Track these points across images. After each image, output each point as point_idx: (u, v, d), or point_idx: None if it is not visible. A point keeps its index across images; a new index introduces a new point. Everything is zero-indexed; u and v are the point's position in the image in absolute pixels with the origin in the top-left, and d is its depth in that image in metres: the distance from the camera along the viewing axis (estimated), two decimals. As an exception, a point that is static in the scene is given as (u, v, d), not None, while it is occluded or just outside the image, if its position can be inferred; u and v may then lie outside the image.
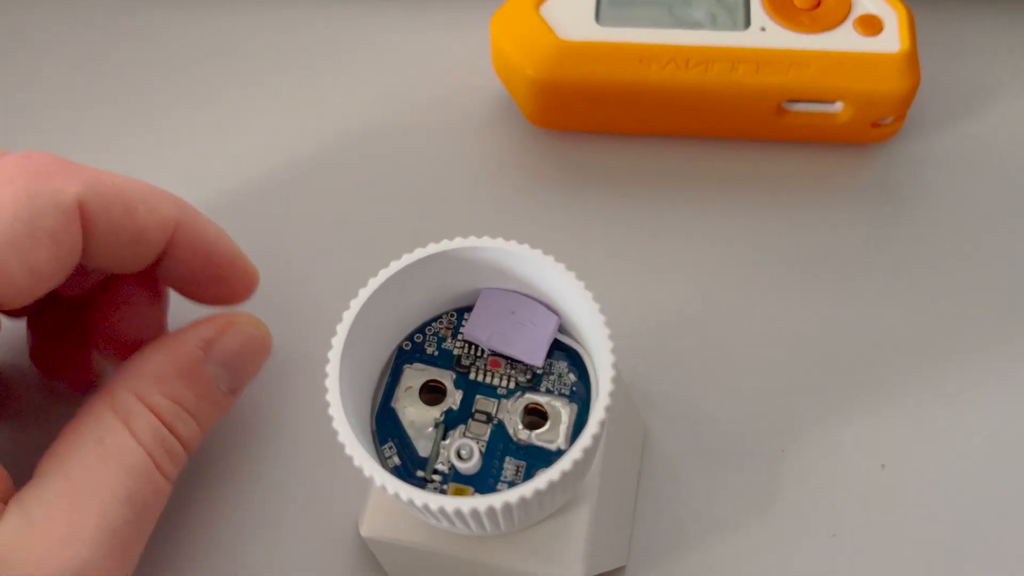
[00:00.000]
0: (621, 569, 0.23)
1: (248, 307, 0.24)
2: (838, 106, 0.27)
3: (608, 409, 0.17)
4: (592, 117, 0.28)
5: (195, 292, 0.24)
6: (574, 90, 0.27)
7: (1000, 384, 0.24)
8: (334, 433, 0.17)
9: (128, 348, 0.23)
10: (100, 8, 0.32)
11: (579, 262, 0.19)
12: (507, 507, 0.16)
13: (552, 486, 0.17)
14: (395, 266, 0.18)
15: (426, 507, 0.16)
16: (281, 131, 0.30)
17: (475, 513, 0.16)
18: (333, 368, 0.18)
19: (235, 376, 0.23)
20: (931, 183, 0.27)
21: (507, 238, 0.19)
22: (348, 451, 0.17)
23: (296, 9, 0.32)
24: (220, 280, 0.24)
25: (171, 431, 0.21)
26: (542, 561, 0.20)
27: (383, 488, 0.17)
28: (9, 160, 0.20)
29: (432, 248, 0.18)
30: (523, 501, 0.16)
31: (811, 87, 0.26)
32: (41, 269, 0.19)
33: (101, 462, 0.20)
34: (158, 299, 0.24)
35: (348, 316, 0.18)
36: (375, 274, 0.19)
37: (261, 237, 0.28)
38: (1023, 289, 0.26)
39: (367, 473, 0.17)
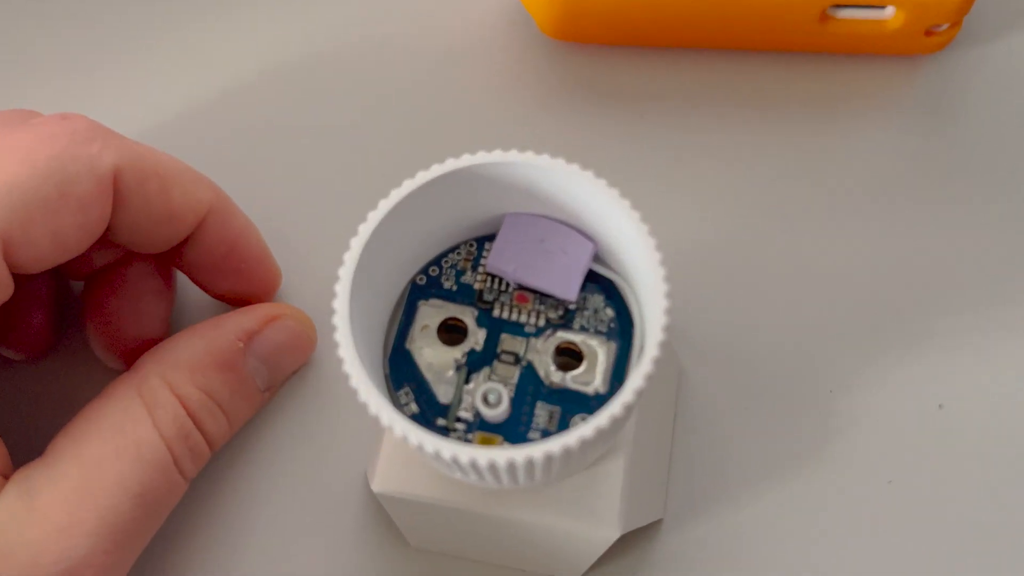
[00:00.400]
0: (658, 523, 0.21)
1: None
2: (889, 11, 0.24)
3: (662, 345, 0.15)
4: (613, 27, 0.25)
5: (211, 282, 0.22)
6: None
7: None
8: (344, 378, 0.15)
9: (121, 339, 0.21)
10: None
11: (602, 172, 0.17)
12: (548, 458, 0.14)
13: (599, 433, 0.14)
14: (409, 185, 0.16)
15: (455, 459, 0.14)
16: (273, 47, 0.27)
17: (511, 466, 0.14)
18: (342, 304, 0.15)
19: (274, 373, 0.22)
20: (988, 98, 0.25)
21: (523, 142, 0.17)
22: (362, 398, 0.15)
23: None
24: (240, 274, 0.22)
25: (198, 426, 0.19)
26: (576, 517, 0.18)
27: (404, 439, 0.14)
28: (48, 120, 0.19)
29: (451, 164, 0.16)
30: (566, 451, 0.14)
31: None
32: (65, 236, 0.18)
33: (117, 453, 0.18)
34: (166, 292, 0.22)
35: (356, 244, 0.16)
36: (385, 196, 0.16)
37: (255, 165, 0.25)
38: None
39: (385, 422, 0.14)
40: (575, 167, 0.16)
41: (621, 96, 0.26)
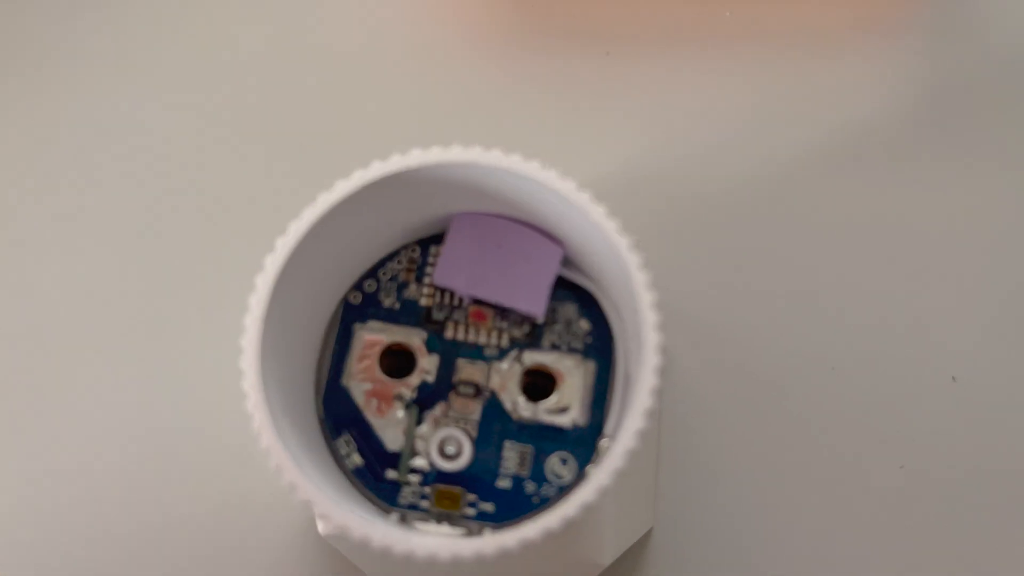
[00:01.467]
0: (648, 534, 0.19)
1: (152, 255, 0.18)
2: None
3: (652, 413, 0.12)
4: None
5: None
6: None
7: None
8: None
9: None
10: None
11: (543, 144, 0.13)
12: (547, 534, 0.12)
13: (586, 509, 0.12)
14: (342, 188, 0.13)
15: (457, 558, 0.12)
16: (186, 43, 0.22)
17: (526, 543, 0.12)
18: (251, 342, 0.12)
19: None
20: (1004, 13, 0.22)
21: (466, 121, 0.14)
22: (300, 495, 0.12)
23: None
24: None
25: None
26: (557, 550, 0.16)
27: (366, 542, 0.12)
28: None
29: (391, 164, 0.12)
30: (566, 522, 0.12)
31: None
32: None
33: None
34: None
35: (273, 263, 0.13)
36: (309, 202, 0.13)
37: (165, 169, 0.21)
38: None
39: (319, 511, 0.12)
40: (534, 166, 0.12)
41: (579, 34, 0.22)
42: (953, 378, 0.19)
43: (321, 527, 0.16)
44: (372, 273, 0.15)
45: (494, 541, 0.12)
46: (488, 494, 0.14)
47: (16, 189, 0.21)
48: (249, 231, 0.19)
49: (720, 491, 0.19)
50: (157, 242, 0.20)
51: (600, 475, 0.12)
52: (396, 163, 0.12)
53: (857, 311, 0.20)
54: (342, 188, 0.12)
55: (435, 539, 0.12)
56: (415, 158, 0.12)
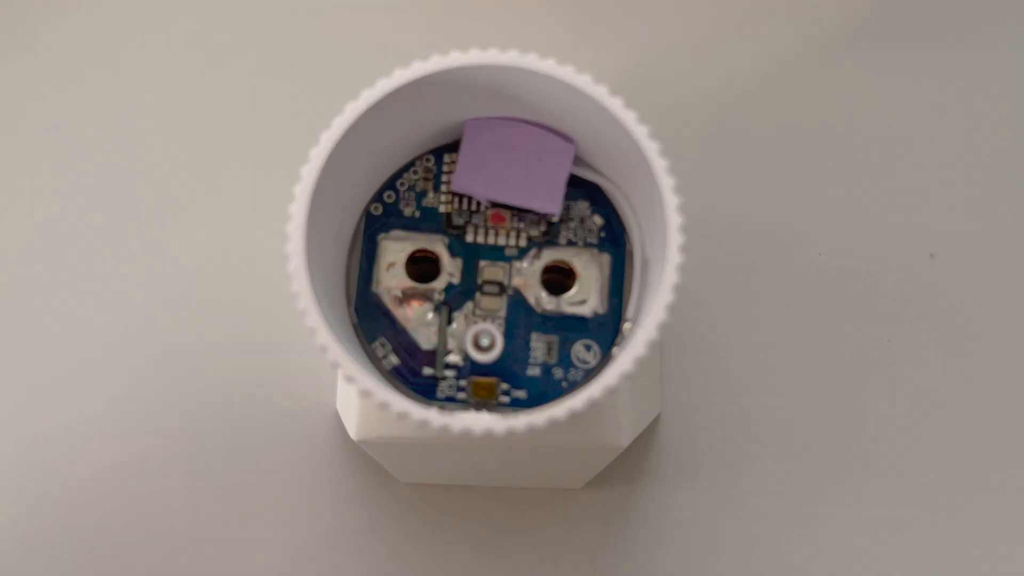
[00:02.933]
0: (656, 420, 0.20)
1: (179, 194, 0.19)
2: None
3: (677, 288, 0.13)
4: None
5: None
6: None
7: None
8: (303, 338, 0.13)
9: None
10: None
11: (544, 44, 0.14)
12: (573, 414, 0.13)
13: (624, 378, 0.13)
14: (366, 98, 0.13)
15: (490, 432, 0.12)
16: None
17: (553, 421, 0.12)
18: (296, 247, 0.13)
19: None
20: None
21: (448, 36, 0.14)
22: (346, 373, 0.12)
23: None
24: None
25: None
26: (583, 432, 0.17)
27: (402, 416, 0.12)
28: None
29: (413, 70, 0.13)
30: (590, 402, 0.13)
31: None
32: None
33: None
34: None
35: (309, 173, 0.13)
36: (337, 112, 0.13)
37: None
38: None
39: (379, 399, 0.12)
40: (550, 63, 0.13)
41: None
42: (931, 255, 0.21)
43: (353, 431, 0.17)
44: (391, 184, 0.15)
45: (525, 419, 0.13)
46: (520, 382, 0.15)
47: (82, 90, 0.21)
48: (280, 144, 0.19)
49: (718, 376, 0.20)
50: (204, 151, 0.21)
51: (623, 361, 0.13)
52: (417, 69, 0.13)
53: (840, 200, 0.21)
54: (368, 96, 0.13)
55: (470, 415, 0.12)
56: (435, 63, 0.13)
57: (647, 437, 0.20)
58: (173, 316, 0.21)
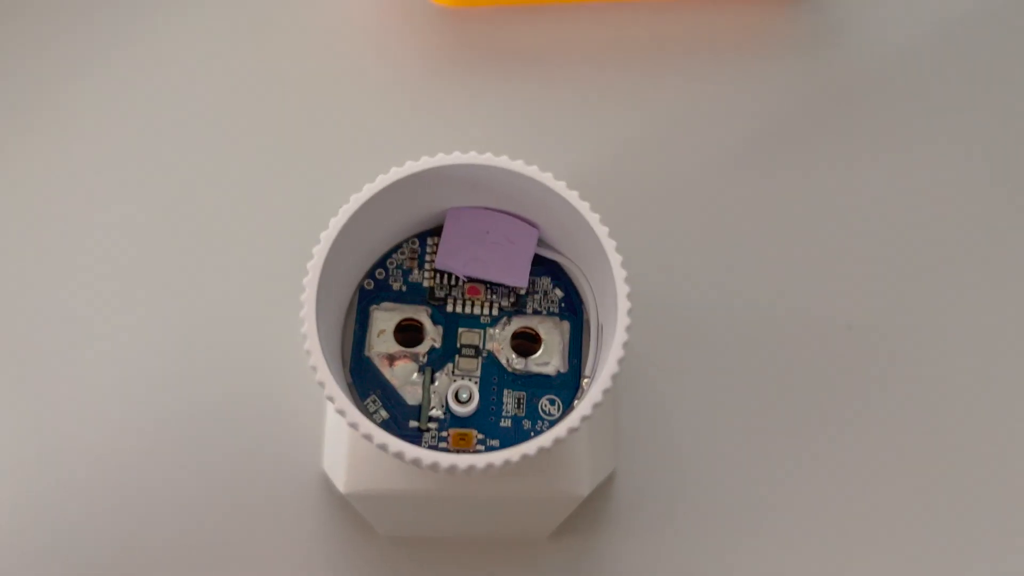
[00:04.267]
0: (612, 474, 0.22)
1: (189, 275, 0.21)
2: (766, -46, 0.25)
3: (626, 345, 0.15)
4: (503, -10, 0.25)
5: None
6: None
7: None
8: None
9: None
10: None
11: (510, 147, 0.17)
12: (541, 450, 0.15)
13: (584, 421, 0.15)
14: (367, 191, 0.16)
15: (442, 467, 0.15)
16: (152, 60, 0.25)
17: (524, 458, 0.15)
18: (309, 312, 0.15)
19: None
20: (863, 28, 0.26)
21: (432, 141, 0.17)
22: (349, 419, 0.15)
23: None
24: None
25: None
26: (546, 483, 0.19)
27: (398, 454, 0.15)
28: None
29: (407, 168, 0.16)
30: (556, 441, 0.15)
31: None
32: None
33: None
34: None
35: (319, 251, 0.15)
36: (331, 212, 0.16)
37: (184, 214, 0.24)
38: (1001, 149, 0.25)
39: (378, 441, 0.15)
40: (519, 164, 0.16)
41: (515, 55, 0.26)
42: (849, 326, 0.24)
43: (342, 485, 0.19)
44: (381, 263, 0.18)
45: (501, 455, 0.15)
46: (494, 433, 0.17)
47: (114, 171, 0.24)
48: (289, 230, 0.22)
49: (668, 434, 0.23)
50: (211, 233, 0.24)
51: (583, 406, 0.15)
52: (410, 167, 0.16)
53: (768, 274, 0.24)
54: (369, 189, 0.15)
55: (454, 454, 0.15)
56: (424, 163, 0.16)
57: (605, 491, 0.22)
58: (169, 384, 0.23)
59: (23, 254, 0.24)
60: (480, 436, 0.17)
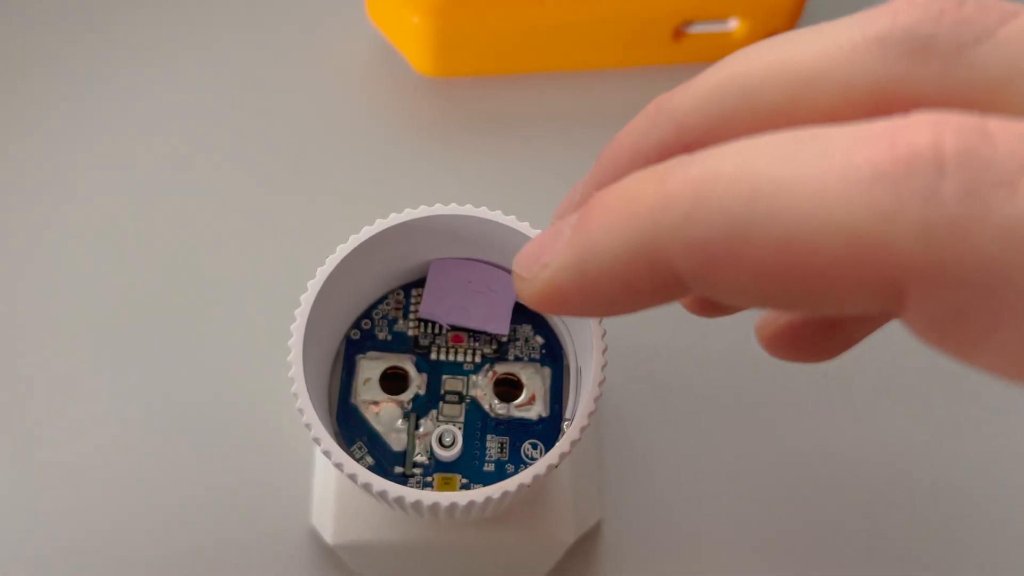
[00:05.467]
0: (598, 524, 0.23)
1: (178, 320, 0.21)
2: (732, 23, 0.26)
3: (603, 384, 0.16)
4: (485, 59, 0.26)
5: None
6: (465, 34, 0.25)
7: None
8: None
9: None
10: None
11: (490, 202, 0.18)
12: (522, 487, 0.15)
13: (563, 458, 0.16)
14: (353, 242, 0.16)
15: (421, 506, 0.15)
16: (142, 124, 0.26)
17: (505, 495, 0.15)
18: (296, 359, 0.16)
19: None
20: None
21: (416, 197, 0.18)
22: (334, 460, 0.15)
23: None
24: None
25: None
26: (531, 529, 0.19)
27: (381, 495, 0.15)
28: None
29: (391, 220, 0.16)
30: (536, 478, 0.15)
31: (704, 5, 0.25)
32: None
33: None
34: None
35: (306, 300, 0.16)
36: (319, 263, 0.17)
37: (159, 259, 0.25)
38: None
39: (347, 471, 0.15)
40: (498, 214, 0.17)
41: (500, 122, 0.27)
42: (824, 375, 0.24)
43: (330, 537, 0.19)
44: (367, 314, 0.19)
45: (484, 492, 0.15)
46: (477, 477, 0.17)
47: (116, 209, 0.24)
48: (277, 281, 0.23)
49: (652, 485, 0.23)
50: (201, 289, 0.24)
51: (562, 443, 0.16)
52: (394, 219, 0.16)
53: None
54: (354, 240, 0.16)
55: (438, 492, 0.15)
56: (408, 214, 0.16)
57: (592, 540, 0.22)
58: (156, 438, 0.23)
59: (5, 313, 0.24)
60: (464, 481, 0.17)
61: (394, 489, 0.15)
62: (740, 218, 0.10)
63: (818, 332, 0.16)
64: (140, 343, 0.24)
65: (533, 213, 0.25)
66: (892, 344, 0.24)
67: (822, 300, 0.10)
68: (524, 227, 0.17)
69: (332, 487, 0.20)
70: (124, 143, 0.26)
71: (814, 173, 0.10)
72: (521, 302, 0.12)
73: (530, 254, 0.12)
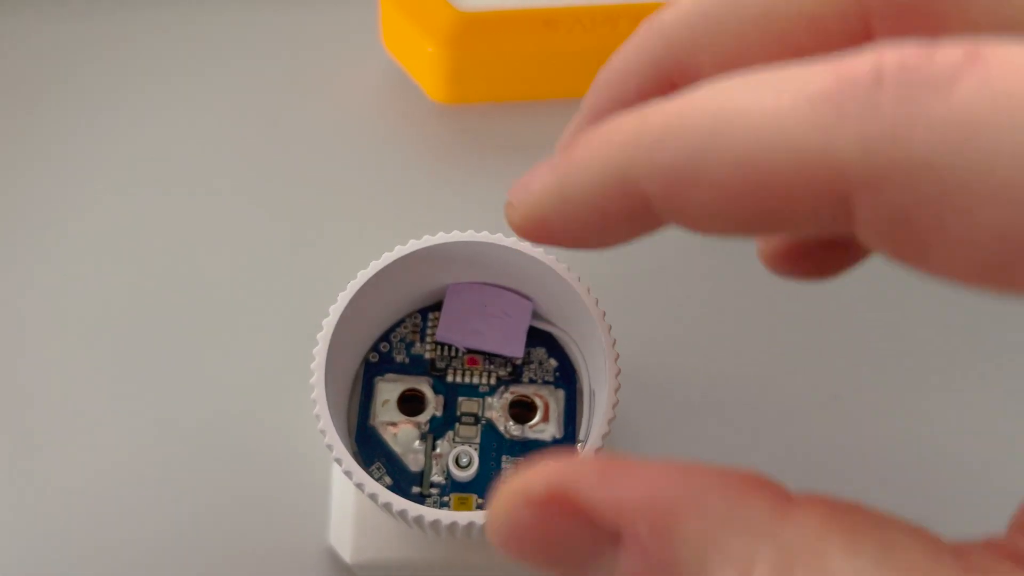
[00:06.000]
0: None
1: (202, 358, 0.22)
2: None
3: (616, 407, 0.16)
4: (498, 87, 0.27)
5: None
6: (479, 62, 0.26)
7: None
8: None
9: None
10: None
11: (505, 228, 0.18)
12: None
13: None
14: (375, 266, 0.17)
15: (438, 526, 0.15)
16: (160, 148, 0.27)
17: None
18: (318, 382, 0.16)
19: None
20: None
21: (432, 223, 0.18)
22: (355, 479, 0.15)
23: (152, 9, 0.29)
24: None
25: None
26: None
27: (401, 515, 0.15)
28: None
29: (410, 246, 0.17)
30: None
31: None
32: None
33: None
34: None
35: (328, 324, 0.17)
36: (340, 288, 0.17)
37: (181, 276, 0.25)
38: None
39: (368, 491, 0.15)
40: (512, 240, 0.17)
41: (513, 148, 0.27)
42: (836, 396, 0.25)
43: (348, 556, 0.20)
44: (385, 337, 0.19)
45: None
46: (493, 497, 0.18)
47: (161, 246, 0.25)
48: (299, 306, 0.23)
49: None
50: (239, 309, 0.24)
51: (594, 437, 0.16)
52: (413, 245, 0.17)
53: (758, 350, 0.25)
54: (374, 266, 0.17)
55: (455, 512, 0.15)
56: (426, 241, 0.17)
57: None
58: (175, 458, 0.23)
59: (25, 333, 0.25)
60: (480, 500, 0.18)
61: (413, 509, 0.15)
62: (702, 141, 0.11)
63: (815, 248, 0.16)
64: (164, 363, 0.24)
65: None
66: (900, 371, 0.25)
67: (780, 219, 0.11)
68: (538, 253, 0.17)
69: (350, 506, 0.20)
70: (144, 166, 0.27)
71: (770, 100, 0.10)
72: (513, 230, 0.13)
73: (521, 182, 0.13)
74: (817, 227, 0.11)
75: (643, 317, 0.25)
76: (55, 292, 0.25)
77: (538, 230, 0.13)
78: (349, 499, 0.20)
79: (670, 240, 0.26)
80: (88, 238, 0.26)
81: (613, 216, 0.12)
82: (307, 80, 0.28)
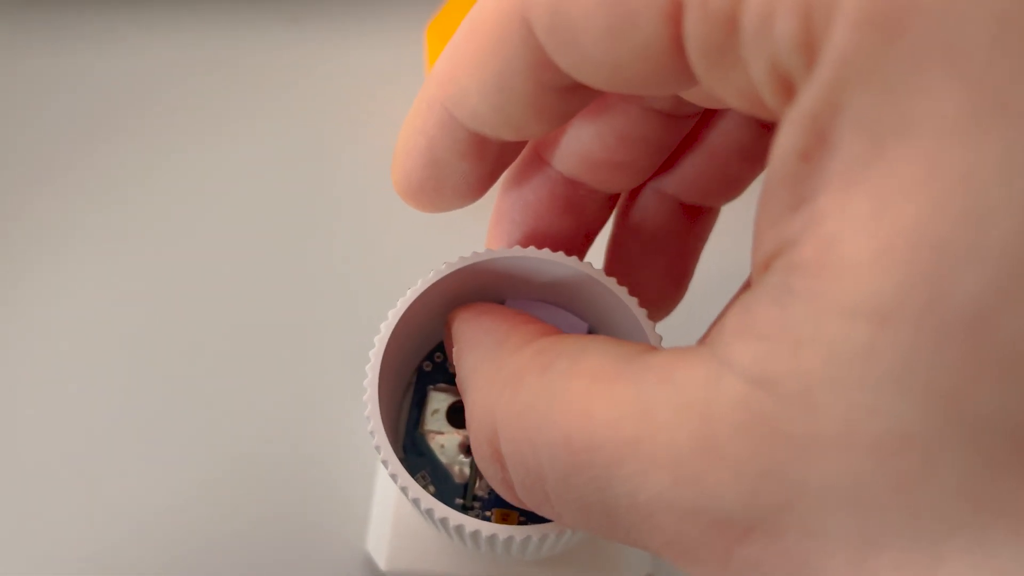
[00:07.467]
0: (649, 576, 0.23)
1: (250, 350, 0.22)
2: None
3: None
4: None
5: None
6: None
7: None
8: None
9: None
10: None
11: None
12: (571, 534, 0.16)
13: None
14: (424, 282, 0.17)
15: (511, 539, 0.15)
16: (222, 191, 0.28)
17: (561, 534, 0.15)
18: (371, 391, 0.16)
19: None
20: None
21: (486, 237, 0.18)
22: (400, 483, 0.16)
23: (199, 49, 0.30)
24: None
25: None
26: (584, 572, 0.19)
27: (442, 522, 0.15)
28: None
29: (465, 260, 0.17)
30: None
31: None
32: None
33: None
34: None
35: (380, 338, 0.17)
36: (398, 293, 0.17)
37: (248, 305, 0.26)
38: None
39: (425, 507, 0.15)
40: (573, 260, 0.17)
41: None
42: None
43: (384, 563, 0.20)
44: (439, 347, 0.19)
45: (541, 529, 0.15)
46: (536, 516, 0.18)
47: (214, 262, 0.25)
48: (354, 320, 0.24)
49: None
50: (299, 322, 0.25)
51: None
52: (471, 258, 0.17)
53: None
54: (436, 274, 0.17)
55: (497, 525, 0.15)
56: (483, 255, 0.17)
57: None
58: (220, 462, 0.24)
59: (70, 355, 0.25)
60: (522, 519, 0.18)
61: (455, 517, 0.15)
62: None
63: None
64: (216, 372, 0.25)
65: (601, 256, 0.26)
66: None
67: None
68: (597, 273, 0.17)
69: (390, 514, 0.20)
70: (201, 199, 0.28)
71: None
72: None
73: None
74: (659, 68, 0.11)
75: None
76: (111, 317, 0.26)
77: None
78: (389, 506, 0.20)
79: (731, 272, 0.26)
80: (144, 261, 0.27)
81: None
82: (360, 112, 0.29)
